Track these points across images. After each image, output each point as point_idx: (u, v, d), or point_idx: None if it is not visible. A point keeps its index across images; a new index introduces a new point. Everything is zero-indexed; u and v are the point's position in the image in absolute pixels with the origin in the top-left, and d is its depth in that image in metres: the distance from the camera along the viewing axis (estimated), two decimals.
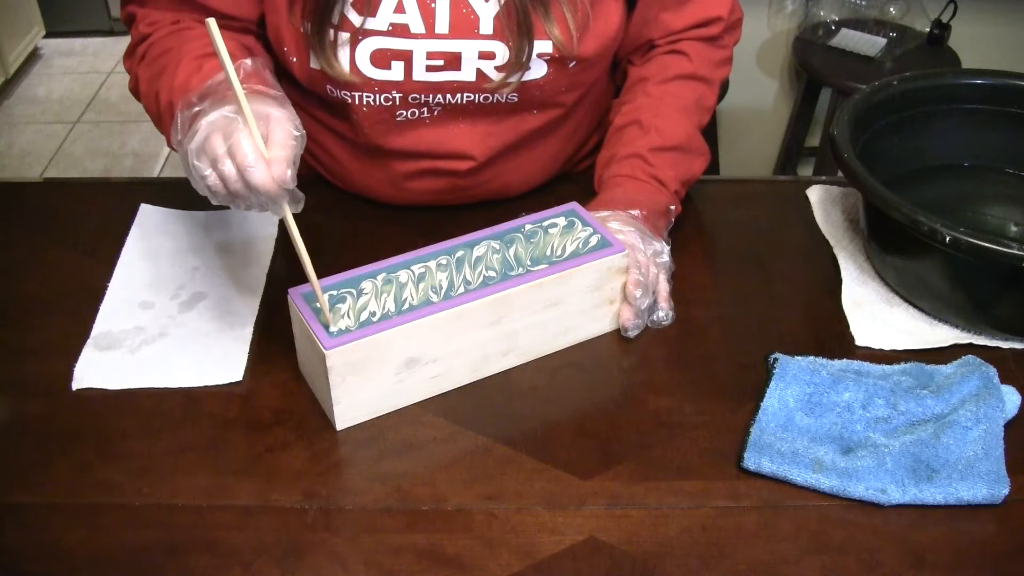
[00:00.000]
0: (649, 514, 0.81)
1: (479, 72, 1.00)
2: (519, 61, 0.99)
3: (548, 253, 0.93)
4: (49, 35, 3.63)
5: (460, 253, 0.92)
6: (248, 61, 0.88)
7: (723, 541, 0.79)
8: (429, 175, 1.10)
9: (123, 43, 3.92)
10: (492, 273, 0.90)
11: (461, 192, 1.12)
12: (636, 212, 1.01)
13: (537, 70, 1.02)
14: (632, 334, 0.97)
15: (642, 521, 0.80)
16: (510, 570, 0.77)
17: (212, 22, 0.74)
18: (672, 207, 1.06)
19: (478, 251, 0.93)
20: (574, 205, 0.99)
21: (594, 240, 0.94)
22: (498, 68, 1.00)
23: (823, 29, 2.27)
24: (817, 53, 2.23)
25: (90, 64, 3.59)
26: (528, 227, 0.96)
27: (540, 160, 1.14)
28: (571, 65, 1.03)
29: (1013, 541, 0.79)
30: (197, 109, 0.84)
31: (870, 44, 2.20)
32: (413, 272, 0.90)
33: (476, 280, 0.90)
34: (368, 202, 1.16)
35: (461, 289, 0.89)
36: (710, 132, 2.30)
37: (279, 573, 0.77)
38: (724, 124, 2.44)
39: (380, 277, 0.89)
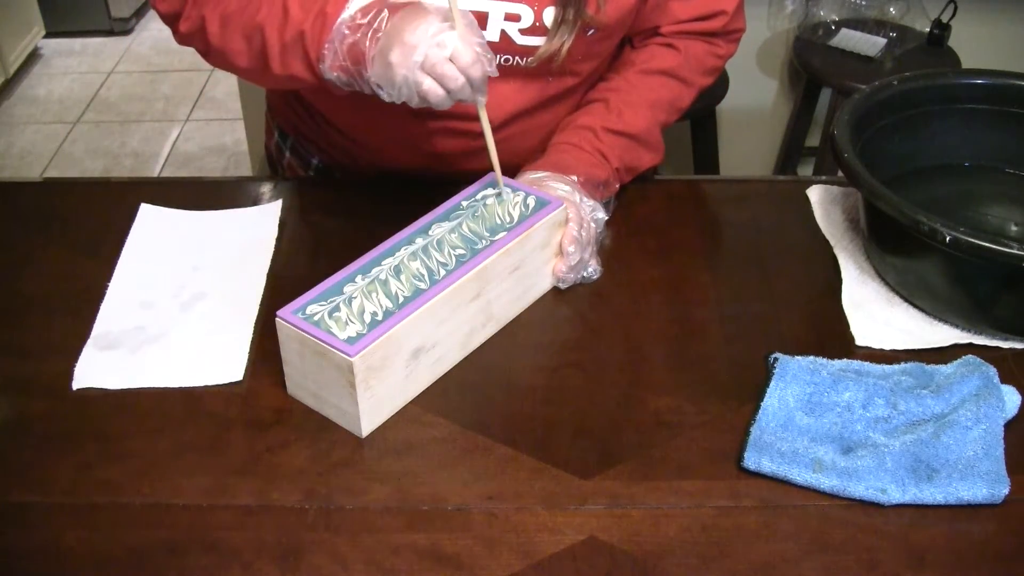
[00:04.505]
0: (649, 514, 0.81)
1: (503, 33, 1.03)
2: (556, 23, 1.01)
3: (499, 222, 0.97)
4: (49, 35, 3.63)
5: (419, 240, 0.94)
6: None
7: (723, 541, 0.79)
8: (444, 135, 1.12)
9: (123, 43, 3.92)
10: (461, 251, 0.93)
11: (475, 154, 1.13)
12: (573, 178, 1.05)
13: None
14: (564, 286, 1.03)
15: (642, 521, 0.80)
16: (510, 570, 0.77)
17: None
18: (611, 181, 1.10)
19: (435, 234, 0.95)
20: (493, 175, 1.03)
21: (532, 201, 1.00)
22: (522, 31, 1.03)
23: (823, 29, 2.27)
24: (817, 53, 2.23)
25: (90, 64, 3.59)
26: (465, 203, 1.00)
27: (552, 126, 1.15)
28: (589, 33, 1.05)
29: (1013, 541, 0.79)
30: (369, 31, 0.91)
31: (870, 44, 2.20)
32: (388, 267, 0.91)
33: (451, 260, 0.92)
34: (368, 200, 1.16)
35: (442, 272, 0.91)
36: (710, 132, 2.32)
37: (279, 573, 0.77)
38: (724, 124, 2.43)
39: (359, 279, 0.90)
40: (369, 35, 0.91)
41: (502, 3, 1.01)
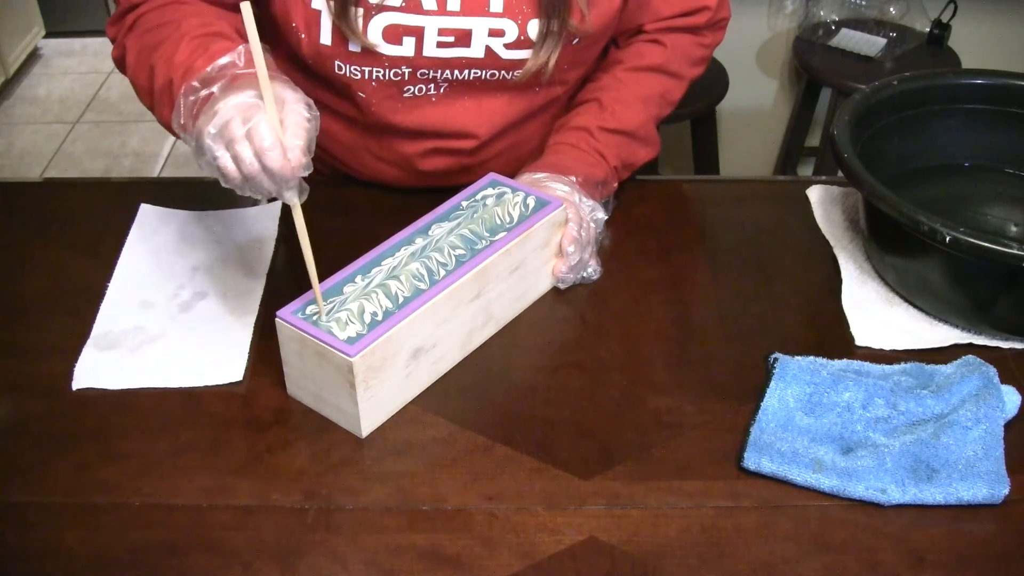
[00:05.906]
0: (649, 514, 0.81)
1: (488, 49, 1.02)
2: (542, 36, 1.01)
3: (498, 222, 0.97)
4: (49, 35, 3.63)
5: (420, 240, 0.94)
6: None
7: (723, 541, 0.79)
8: (435, 154, 1.11)
9: None
10: (461, 251, 0.93)
11: (468, 171, 1.13)
12: (572, 178, 1.05)
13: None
14: (564, 286, 1.03)
15: (642, 521, 0.80)
16: (510, 570, 0.77)
17: (247, 7, 0.75)
18: (609, 180, 1.10)
19: (435, 235, 0.95)
20: (492, 175, 1.03)
21: (531, 201, 0.99)
22: (507, 45, 1.02)
23: (823, 29, 2.27)
24: (817, 53, 2.23)
25: (90, 64, 3.59)
26: (465, 204, 0.99)
27: (545, 132, 1.15)
28: (574, 42, 1.04)
29: (1013, 541, 0.79)
30: (205, 93, 0.84)
31: (870, 44, 2.20)
32: (388, 268, 0.91)
33: (451, 261, 0.92)
34: (367, 200, 1.16)
35: (442, 272, 0.91)
36: (710, 132, 2.32)
37: (279, 573, 0.77)
38: (724, 124, 2.44)
39: (359, 279, 0.90)
40: (203, 96, 0.84)
41: (485, 19, 1.00)
